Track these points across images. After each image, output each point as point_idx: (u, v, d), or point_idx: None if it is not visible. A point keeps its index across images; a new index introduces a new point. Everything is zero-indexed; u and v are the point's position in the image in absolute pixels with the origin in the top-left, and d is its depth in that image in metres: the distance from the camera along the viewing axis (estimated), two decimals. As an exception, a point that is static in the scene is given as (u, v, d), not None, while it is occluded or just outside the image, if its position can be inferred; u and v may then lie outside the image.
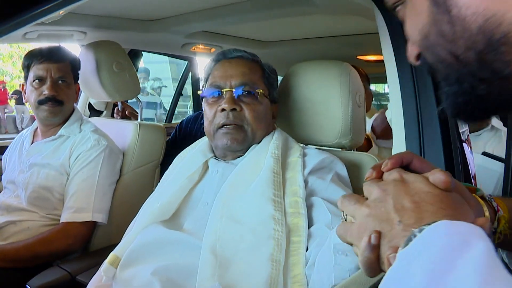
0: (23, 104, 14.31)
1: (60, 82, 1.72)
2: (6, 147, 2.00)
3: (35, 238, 1.58)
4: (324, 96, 1.26)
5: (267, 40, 2.57)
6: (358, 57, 2.86)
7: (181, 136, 2.30)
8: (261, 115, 1.21)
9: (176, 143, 2.27)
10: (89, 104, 2.50)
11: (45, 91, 1.68)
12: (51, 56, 1.70)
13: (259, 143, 1.22)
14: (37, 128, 1.86)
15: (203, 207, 1.15)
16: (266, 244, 0.96)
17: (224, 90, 1.20)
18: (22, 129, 13.61)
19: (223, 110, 1.18)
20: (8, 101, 15.25)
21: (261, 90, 1.21)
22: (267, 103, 1.24)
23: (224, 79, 1.22)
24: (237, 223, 1.02)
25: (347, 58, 2.84)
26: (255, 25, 2.18)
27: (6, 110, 15.15)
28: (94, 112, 2.52)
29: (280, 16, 1.92)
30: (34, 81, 1.70)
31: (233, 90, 1.19)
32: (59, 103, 1.72)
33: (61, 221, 1.65)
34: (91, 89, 2.02)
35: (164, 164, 1.88)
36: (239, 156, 1.22)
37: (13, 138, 2.01)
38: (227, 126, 1.19)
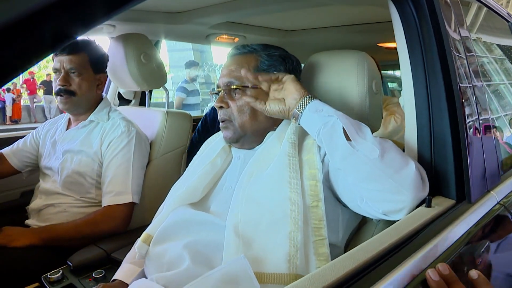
0: (50, 94, 14.66)
1: (72, 73, 1.78)
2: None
3: (83, 219, 1.67)
4: (342, 84, 1.30)
5: (289, 29, 2.58)
6: (378, 44, 2.86)
7: (211, 122, 2.39)
8: (245, 108, 1.24)
9: (207, 128, 2.36)
10: (118, 93, 2.60)
11: (58, 82, 1.77)
12: (64, 48, 1.75)
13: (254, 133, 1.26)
14: (70, 117, 1.96)
15: (227, 190, 1.22)
16: (283, 224, 1.01)
17: (218, 89, 1.29)
18: (51, 118, 14.00)
19: None
20: (37, 91, 15.57)
21: (239, 85, 1.24)
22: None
23: (221, 78, 1.29)
24: (256, 205, 1.08)
25: (368, 46, 2.86)
26: (277, 15, 2.19)
27: (35, 100, 15.50)
28: (123, 101, 2.62)
29: (301, 7, 1.94)
30: (54, 72, 1.79)
31: (222, 89, 1.28)
32: (70, 94, 1.79)
33: (102, 205, 1.73)
34: (120, 80, 2.10)
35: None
36: (258, 144, 1.27)
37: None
38: (222, 123, 1.28)
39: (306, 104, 1.12)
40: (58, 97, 1.80)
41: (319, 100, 1.14)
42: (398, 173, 0.98)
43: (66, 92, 1.78)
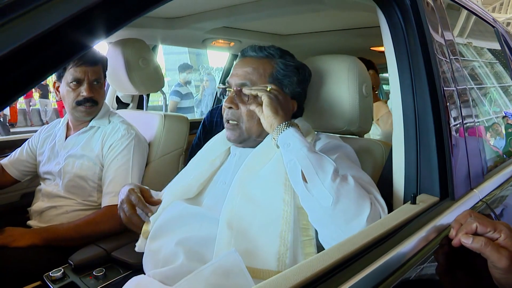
0: (46, 97, 14.64)
1: (95, 83, 1.83)
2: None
3: (83, 220, 1.70)
4: (334, 87, 1.34)
5: (284, 33, 2.62)
6: (371, 48, 2.91)
7: (209, 125, 2.42)
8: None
9: (207, 132, 2.38)
10: (116, 97, 2.64)
11: (83, 92, 1.79)
12: (88, 59, 1.79)
13: (259, 136, 1.27)
14: (68, 122, 1.98)
15: (221, 185, 1.26)
16: (275, 223, 1.05)
17: (228, 89, 1.29)
18: (47, 121, 13.80)
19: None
20: (33, 94, 15.52)
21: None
22: None
23: (233, 77, 1.29)
24: (251, 202, 1.11)
25: (361, 50, 2.91)
26: (272, 20, 2.23)
27: (30, 103, 15.45)
28: (121, 104, 2.65)
29: (296, 12, 1.99)
30: (71, 82, 1.80)
31: (234, 89, 1.26)
32: (95, 103, 1.85)
33: (102, 205, 1.77)
34: (119, 84, 2.14)
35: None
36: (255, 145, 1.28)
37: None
38: (228, 123, 1.29)
39: (280, 133, 1.12)
40: (81, 106, 1.83)
41: (294, 128, 1.12)
42: (348, 224, 0.96)
43: (92, 101, 1.84)
